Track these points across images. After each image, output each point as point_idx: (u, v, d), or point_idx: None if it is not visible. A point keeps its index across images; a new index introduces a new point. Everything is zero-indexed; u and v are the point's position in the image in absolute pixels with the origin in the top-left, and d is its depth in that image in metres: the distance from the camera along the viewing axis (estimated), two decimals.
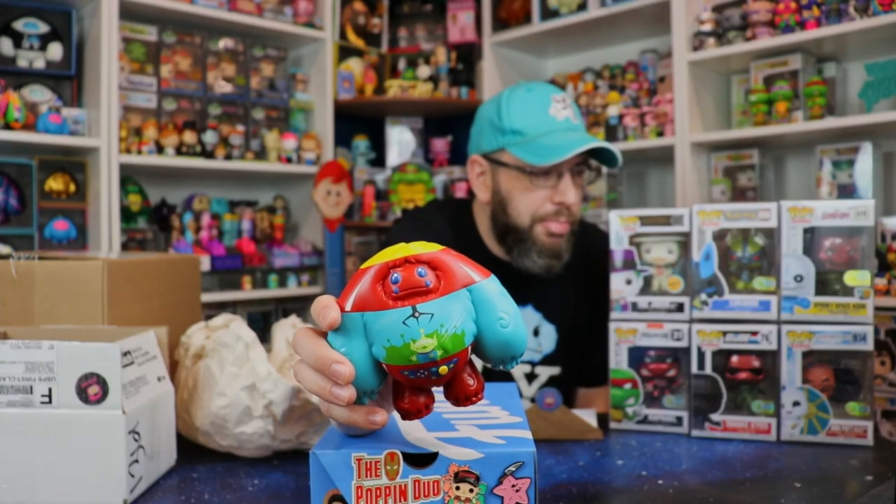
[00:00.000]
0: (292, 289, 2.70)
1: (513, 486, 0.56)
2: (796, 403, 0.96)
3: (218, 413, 0.84)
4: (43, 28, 2.17)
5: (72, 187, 2.24)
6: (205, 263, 2.46)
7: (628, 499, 0.76)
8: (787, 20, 2.11)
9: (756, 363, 0.98)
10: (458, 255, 0.55)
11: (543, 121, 1.23)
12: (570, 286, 1.37)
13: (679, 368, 1.03)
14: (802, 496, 0.75)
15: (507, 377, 1.29)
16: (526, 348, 0.55)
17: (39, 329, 0.89)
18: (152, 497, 0.76)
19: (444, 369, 0.52)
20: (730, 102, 2.50)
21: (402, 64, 3.01)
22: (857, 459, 0.88)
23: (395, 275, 0.52)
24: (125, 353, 0.74)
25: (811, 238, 0.97)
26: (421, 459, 0.57)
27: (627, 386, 1.04)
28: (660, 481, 0.81)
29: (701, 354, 1.01)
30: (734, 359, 0.99)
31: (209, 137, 2.46)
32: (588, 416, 1.04)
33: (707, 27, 2.26)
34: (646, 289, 1.05)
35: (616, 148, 1.24)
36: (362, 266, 0.54)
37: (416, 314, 0.51)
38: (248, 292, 2.58)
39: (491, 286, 0.54)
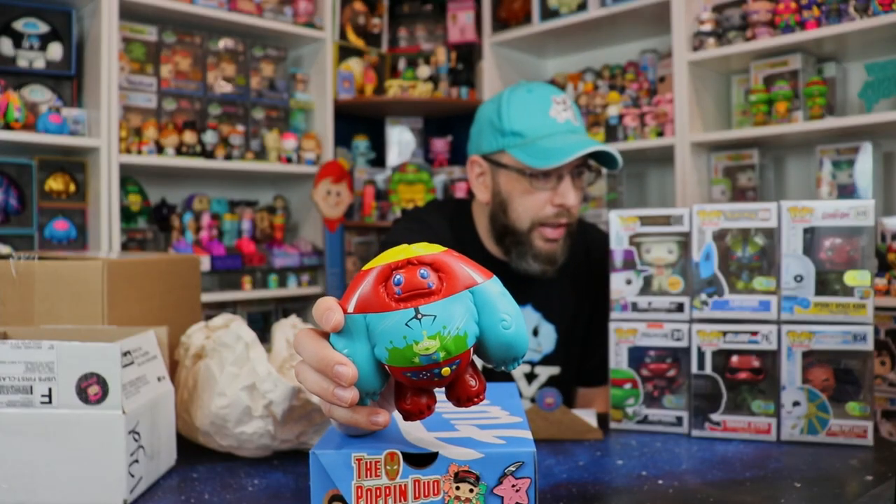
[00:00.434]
0: (292, 289, 2.70)
1: (513, 486, 0.56)
2: (796, 403, 0.96)
3: (218, 413, 0.84)
4: (43, 28, 2.17)
5: (72, 187, 2.24)
6: (205, 263, 2.46)
7: (628, 499, 0.76)
8: (787, 20, 2.11)
9: (756, 363, 0.98)
10: (461, 257, 0.55)
11: (544, 123, 1.23)
12: (569, 286, 1.37)
13: (679, 368, 1.03)
14: (802, 496, 0.75)
15: (507, 377, 1.29)
16: (527, 349, 0.55)
17: (39, 329, 0.89)
18: (152, 497, 0.76)
19: (446, 371, 0.52)
20: (730, 102, 2.50)
21: (402, 64, 3.01)
22: (857, 459, 0.88)
23: (398, 276, 0.52)
24: (125, 353, 0.74)
25: (811, 238, 0.97)
26: (421, 459, 0.57)
27: (627, 386, 1.04)
28: (660, 481, 0.81)
29: (701, 354, 1.01)
30: (734, 359, 0.99)
31: (209, 137, 2.46)
32: (588, 416, 1.04)
33: (707, 27, 2.26)
34: (646, 289, 1.05)
35: (616, 150, 1.23)
36: (364, 267, 0.54)
37: (419, 316, 0.51)
38: (248, 292, 2.58)
39: (493, 287, 0.54)
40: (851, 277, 0.95)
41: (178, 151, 2.39)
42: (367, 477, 0.56)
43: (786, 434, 0.97)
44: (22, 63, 2.15)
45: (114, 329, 0.88)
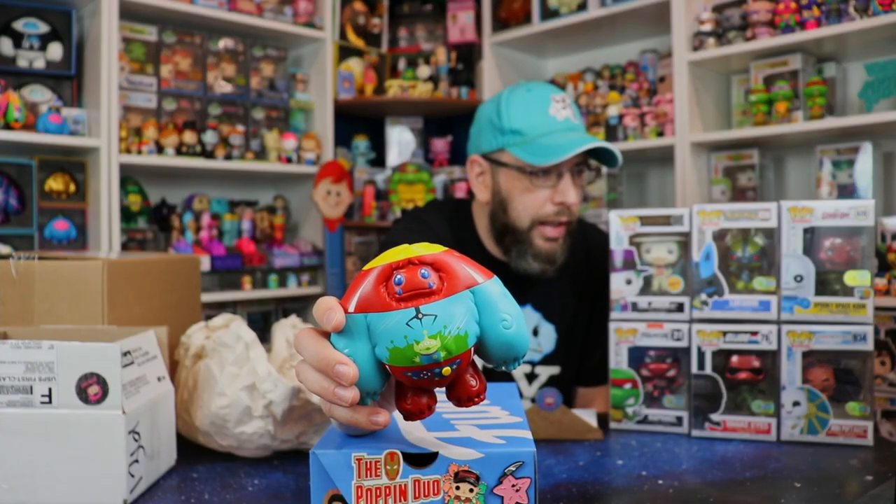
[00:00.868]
0: (292, 289, 2.70)
1: (513, 485, 0.56)
2: (796, 403, 0.96)
3: (218, 413, 0.84)
4: (43, 28, 2.17)
5: (72, 187, 2.24)
6: (205, 263, 2.46)
7: (628, 499, 0.76)
8: (787, 20, 2.11)
9: (756, 363, 0.98)
10: (461, 257, 0.55)
11: (543, 121, 1.23)
12: (569, 286, 1.37)
13: (679, 368, 1.03)
14: (802, 496, 0.75)
15: (507, 377, 1.29)
16: (528, 349, 0.55)
17: (39, 329, 0.89)
18: (152, 497, 0.76)
19: (447, 370, 0.52)
20: (730, 102, 2.50)
21: (402, 64, 3.01)
22: (857, 459, 0.88)
23: (399, 276, 0.52)
24: (125, 353, 0.74)
25: (811, 238, 0.97)
26: (421, 459, 0.57)
27: (627, 386, 1.04)
28: (660, 481, 0.81)
29: (701, 354, 1.01)
30: (734, 359, 0.99)
31: (209, 137, 2.46)
32: (588, 416, 1.04)
33: (707, 27, 2.26)
34: (646, 289, 1.05)
35: (616, 148, 1.24)
36: (365, 267, 0.54)
37: (420, 315, 0.51)
38: (248, 292, 2.58)
39: (494, 287, 0.54)
40: (851, 277, 0.95)
41: (178, 151, 2.39)
42: (367, 477, 0.56)
43: (786, 434, 0.97)
44: (22, 63, 2.15)
45: (114, 329, 0.88)
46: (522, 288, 1.32)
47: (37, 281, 0.92)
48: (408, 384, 0.54)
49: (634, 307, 1.05)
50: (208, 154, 2.46)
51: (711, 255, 1.01)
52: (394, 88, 2.83)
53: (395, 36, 3.11)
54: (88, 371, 0.71)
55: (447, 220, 1.37)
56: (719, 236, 1.01)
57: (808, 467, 0.85)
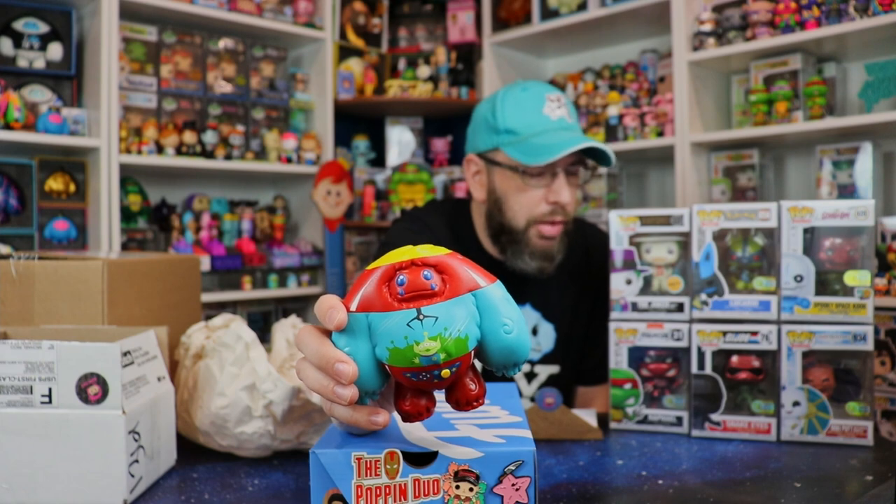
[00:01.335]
0: (292, 289, 2.70)
1: (513, 485, 0.56)
2: (796, 403, 0.96)
3: (218, 413, 0.84)
4: (43, 28, 2.17)
5: (72, 187, 2.24)
6: (205, 263, 2.46)
7: (628, 499, 0.76)
8: (787, 20, 2.11)
9: (756, 363, 0.98)
10: (465, 260, 0.55)
11: (537, 120, 1.23)
12: (568, 285, 1.37)
13: (679, 368, 1.03)
14: (802, 496, 0.75)
15: (507, 377, 1.29)
16: (528, 355, 0.55)
17: (39, 329, 0.89)
18: (152, 497, 0.76)
19: (446, 373, 0.52)
20: (730, 102, 2.50)
21: (402, 64, 3.01)
22: (857, 459, 0.88)
23: (401, 277, 0.52)
24: (125, 353, 0.74)
25: (811, 238, 0.97)
26: (421, 458, 0.57)
27: (627, 386, 1.04)
28: (660, 481, 0.81)
29: (701, 354, 1.01)
30: (734, 359, 0.99)
31: (209, 137, 2.46)
32: (588, 416, 1.04)
33: (707, 27, 2.26)
34: (646, 289, 1.05)
35: (608, 147, 1.23)
36: (369, 267, 0.55)
37: (421, 317, 0.51)
38: (248, 292, 2.58)
39: (496, 291, 0.54)
40: (851, 277, 0.95)
41: (178, 151, 2.39)
42: (366, 476, 0.56)
43: (786, 434, 0.97)
44: (22, 63, 2.15)
45: (114, 329, 0.88)
46: (522, 287, 1.32)
47: (37, 281, 0.93)
48: (407, 385, 0.54)
49: (634, 307, 1.05)
50: (208, 154, 2.46)
51: (711, 255, 1.01)
52: (394, 88, 2.83)
53: (395, 36, 3.11)
54: (88, 371, 0.71)
55: (446, 220, 1.38)
56: (719, 236, 1.01)
57: (808, 467, 0.85)
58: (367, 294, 0.53)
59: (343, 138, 3.00)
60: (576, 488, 0.78)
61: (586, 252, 1.39)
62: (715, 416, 1.00)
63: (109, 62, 2.19)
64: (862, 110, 2.13)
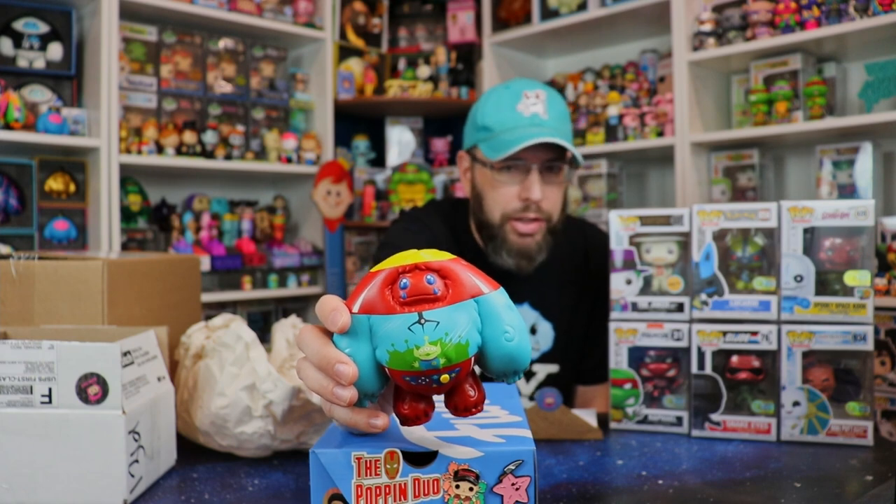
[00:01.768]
0: (292, 289, 2.70)
1: (512, 484, 0.56)
2: (796, 403, 0.96)
3: (218, 413, 0.84)
4: (43, 28, 2.17)
5: (72, 187, 2.24)
6: (205, 263, 2.46)
7: (628, 499, 0.76)
8: (787, 20, 2.11)
9: (756, 363, 0.98)
10: (468, 266, 0.55)
11: (510, 116, 1.25)
12: (567, 284, 1.37)
13: (679, 368, 1.03)
14: (802, 496, 0.75)
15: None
16: (529, 363, 0.55)
17: (39, 329, 0.89)
18: (152, 497, 0.76)
19: (445, 378, 0.52)
20: (730, 102, 2.51)
21: (402, 64, 3.01)
22: (857, 459, 0.88)
23: (404, 280, 0.52)
24: (125, 353, 0.74)
25: (811, 238, 0.97)
26: (421, 458, 0.57)
27: (627, 386, 1.04)
28: (660, 481, 0.81)
29: (701, 354, 1.01)
30: (734, 359, 0.99)
31: (209, 137, 2.46)
32: (588, 416, 1.04)
33: (707, 27, 2.26)
34: (646, 289, 1.05)
35: (568, 143, 1.22)
36: (372, 269, 0.55)
37: (422, 321, 0.51)
38: (248, 292, 2.58)
39: (499, 298, 0.54)
40: (851, 277, 0.95)
41: (178, 151, 2.39)
42: (366, 476, 0.56)
43: (786, 434, 0.97)
44: (22, 63, 2.15)
45: (114, 329, 0.88)
46: (520, 286, 1.32)
47: (37, 281, 0.92)
48: (406, 389, 0.55)
49: (634, 307, 1.05)
50: (208, 154, 2.46)
51: (711, 255, 1.01)
52: (394, 88, 2.83)
53: (395, 36, 3.11)
54: (88, 371, 0.71)
55: (445, 220, 1.38)
56: (719, 236, 1.01)
57: (808, 467, 0.85)
58: (369, 296, 0.53)
59: (343, 138, 3.00)
60: (576, 488, 0.78)
61: (585, 251, 1.39)
62: (715, 416, 1.00)
63: (109, 62, 2.19)
64: (862, 110, 2.13)
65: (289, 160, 2.65)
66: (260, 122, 2.67)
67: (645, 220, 1.05)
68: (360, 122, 3.11)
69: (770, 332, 0.97)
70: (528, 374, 1.35)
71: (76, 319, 0.92)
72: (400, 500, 0.56)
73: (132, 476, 0.73)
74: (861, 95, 2.12)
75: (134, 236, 2.39)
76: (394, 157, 3.13)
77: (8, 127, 2.03)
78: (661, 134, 2.42)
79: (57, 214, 2.21)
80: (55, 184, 2.22)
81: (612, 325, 1.05)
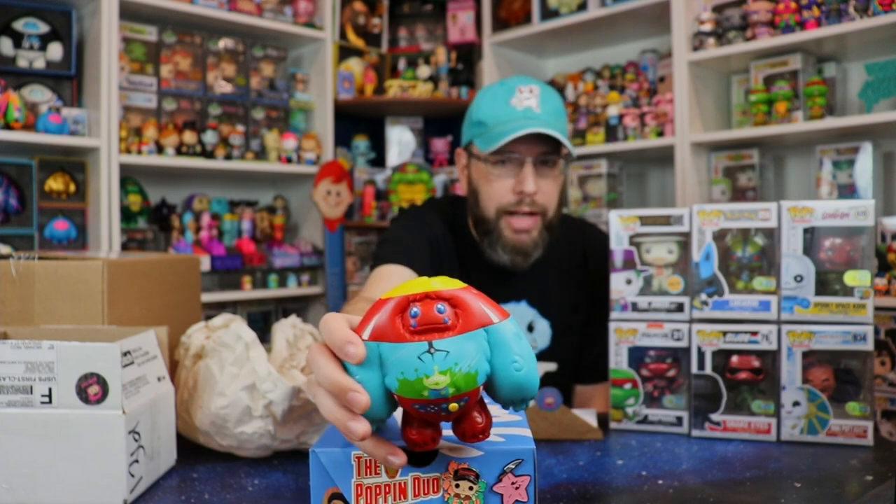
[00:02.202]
0: (292, 289, 2.70)
1: (512, 483, 0.56)
2: (796, 403, 0.96)
3: (218, 413, 0.84)
4: (43, 28, 2.17)
5: (72, 187, 2.24)
6: (205, 263, 2.46)
7: (628, 499, 0.76)
8: (787, 20, 2.11)
9: (756, 363, 0.98)
10: (479, 294, 0.55)
11: (503, 111, 1.25)
12: (565, 283, 1.37)
13: (679, 368, 1.03)
14: (802, 496, 0.75)
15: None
16: (537, 392, 0.56)
17: (39, 329, 0.89)
18: (152, 497, 0.76)
19: (454, 406, 0.52)
20: (730, 102, 2.50)
21: (402, 64, 3.01)
22: (857, 459, 0.88)
23: (415, 309, 0.52)
24: (125, 353, 0.74)
25: (811, 238, 0.97)
26: (421, 457, 0.57)
27: (627, 386, 1.04)
28: (660, 481, 0.81)
29: (701, 354, 1.01)
30: (734, 359, 0.99)
31: (209, 137, 2.46)
32: (588, 416, 1.04)
33: (707, 27, 2.26)
34: (646, 289, 1.05)
35: (559, 134, 1.22)
36: (383, 296, 0.55)
37: (432, 350, 0.51)
38: (248, 292, 2.58)
39: (508, 327, 0.54)
40: (851, 277, 0.95)
41: (178, 151, 2.39)
42: (366, 475, 0.56)
43: (786, 434, 0.97)
44: (22, 63, 2.15)
45: (114, 329, 0.88)
46: (518, 284, 1.32)
47: (37, 281, 0.92)
48: (415, 416, 0.55)
49: (634, 307, 1.05)
50: (208, 154, 2.46)
51: (711, 255, 1.01)
52: (394, 88, 2.83)
53: (395, 36, 3.11)
54: (88, 371, 0.71)
55: (443, 218, 1.38)
56: (719, 236, 1.01)
57: (808, 467, 0.85)
58: (379, 324, 0.53)
59: (343, 138, 3.00)
60: (576, 488, 0.78)
61: (584, 251, 1.40)
62: (715, 416, 1.00)
63: (109, 62, 2.19)
64: (862, 110, 2.13)
65: (289, 160, 2.65)
66: (260, 122, 2.67)
67: (645, 220, 1.05)
68: (360, 122, 3.11)
69: (770, 332, 0.97)
70: None
71: (76, 319, 0.92)
72: (400, 499, 0.56)
73: (132, 476, 0.73)
74: (861, 95, 2.12)
75: (134, 236, 2.39)
76: (394, 157, 3.13)
77: (8, 127, 2.03)
78: (661, 134, 2.42)
79: (57, 214, 2.21)
80: (55, 184, 2.22)
81: (612, 325, 1.05)
